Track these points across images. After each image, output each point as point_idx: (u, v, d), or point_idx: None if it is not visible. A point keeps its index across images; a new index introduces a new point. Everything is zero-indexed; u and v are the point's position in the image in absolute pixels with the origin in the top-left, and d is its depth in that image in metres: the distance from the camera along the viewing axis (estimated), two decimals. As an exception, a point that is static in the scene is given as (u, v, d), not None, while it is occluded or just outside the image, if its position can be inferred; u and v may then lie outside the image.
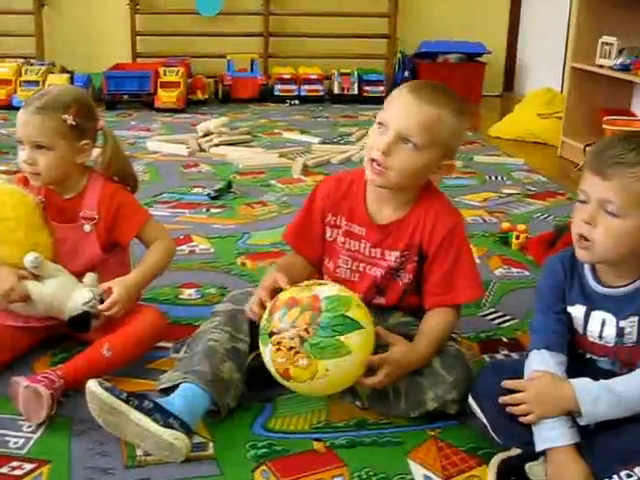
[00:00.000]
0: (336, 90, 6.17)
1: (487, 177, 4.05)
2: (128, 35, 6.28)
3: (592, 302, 1.61)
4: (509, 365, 1.80)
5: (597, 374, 1.58)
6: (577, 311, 1.63)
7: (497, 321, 2.35)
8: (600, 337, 1.61)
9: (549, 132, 4.86)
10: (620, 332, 1.58)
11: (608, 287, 1.59)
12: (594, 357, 1.66)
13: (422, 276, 1.87)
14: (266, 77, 6.23)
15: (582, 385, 1.54)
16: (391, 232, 1.86)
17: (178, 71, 5.70)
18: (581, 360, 1.68)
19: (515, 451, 1.61)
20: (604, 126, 4.19)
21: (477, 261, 2.76)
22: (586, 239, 1.50)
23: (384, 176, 1.75)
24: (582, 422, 1.53)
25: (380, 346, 1.72)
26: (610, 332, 1.59)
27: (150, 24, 6.35)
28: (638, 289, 1.56)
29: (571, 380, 1.56)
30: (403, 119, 1.73)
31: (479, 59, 6.68)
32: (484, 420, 1.66)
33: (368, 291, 1.90)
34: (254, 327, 1.80)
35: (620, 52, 4.35)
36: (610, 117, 4.23)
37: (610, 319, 1.59)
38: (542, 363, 1.61)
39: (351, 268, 1.92)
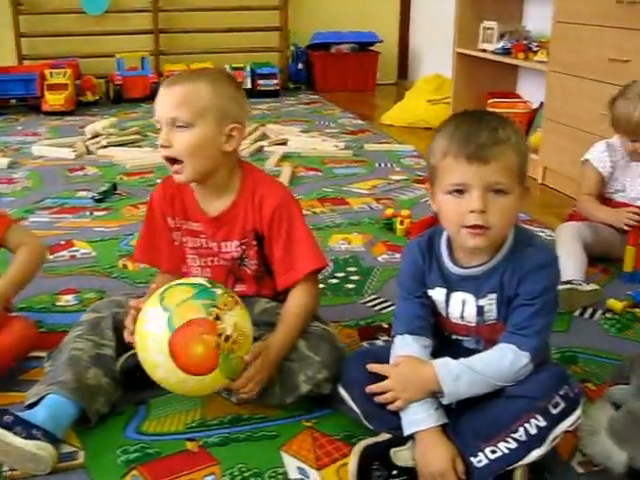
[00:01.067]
0: (228, 85, 6.09)
1: (377, 165, 4.08)
2: (12, 37, 6.10)
3: (451, 284, 1.62)
4: (375, 352, 1.80)
5: (463, 354, 1.59)
6: (438, 294, 1.64)
7: (377, 307, 2.36)
8: (462, 317, 1.63)
9: (439, 117, 4.81)
10: (480, 311, 1.60)
11: (465, 268, 1.60)
12: (459, 338, 1.68)
13: (267, 259, 1.88)
14: (157, 75, 6.13)
15: (443, 364, 1.55)
16: (224, 223, 1.86)
17: (65, 72, 5.57)
18: (447, 342, 1.70)
19: (384, 436, 1.61)
20: (488, 109, 4.25)
21: (362, 248, 2.81)
22: (482, 227, 1.48)
23: (184, 172, 1.77)
24: (445, 401, 1.54)
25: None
26: (470, 312, 1.61)
27: (35, 25, 6.17)
28: (494, 267, 1.57)
29: (432, 361, 1.57)
30: (163, 107, 1.75)
31: (372, 48, 6.74)
32: (355, 408, 1.66)
33: (226, 281, 1.89)
34: (119, 332, 1.79)
35: (502, 36, 4.44)
36: (493, 100, 4.30)
37: (470, 299, 1.60)
38: (405, 348, 1.62)
39: (201, 265, 1.92)
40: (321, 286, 2.44)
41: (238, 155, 1.89)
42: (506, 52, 4.29)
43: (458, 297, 1.62)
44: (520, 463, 1.48)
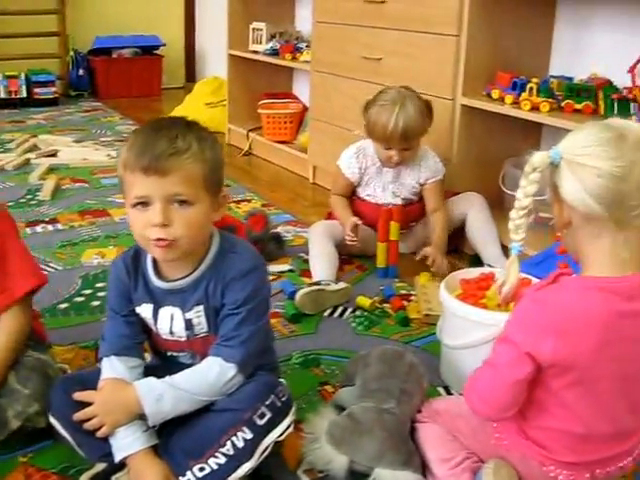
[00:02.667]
0: (2, 94, 5.78)
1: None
2: None
3: (158, 299, 1.55)
4: (81, 377, 1.69)
5: (178, 369, 1.53)
6: (145, 310, 1.57)
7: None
8: (171, 333, 1.56)
9: (217, 120, 4.86)
10: (189, 324, 1.54)
11: (170, 281, 1.54)
12: (174, 354, 1.61)
13: None
14: None
15: (145, 385, 1.48)
16: None
17: None
18: (165, 359, 1.63)
19: (100, 466, 1.54)
20: (259, 110, 4.24)
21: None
22: (167, 240, 1.41)
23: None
24: (150, 423, 1.48)
25: None
26: (179, 326, 1.55)
27: None
28: (198, 278, 1.51)
29: (135, 382, 1.50)
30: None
31: (156, 52, 6.59)
32: (68, 438, 1.56)
33: None
34: None
35: (272, 37, 4.42)
36: (265, 101, 4.28)
37: (177, 313, 1.54)
38: (111, 371, 1.54)
39: None
40: (65, 306, 2.33)
41: None
42: (275, 53, 4.28)
43: (166, 312, 1.55)
44: (231, 478, 1.43)
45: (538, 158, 1.30)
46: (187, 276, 1.52)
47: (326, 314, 2.34)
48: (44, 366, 1.71)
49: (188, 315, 1.53)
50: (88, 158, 4.23)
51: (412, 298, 2.46)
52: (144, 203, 1.41)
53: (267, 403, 1.45)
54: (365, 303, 2.37)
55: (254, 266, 1.52)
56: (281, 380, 1.55)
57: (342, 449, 1.55)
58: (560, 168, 1.28)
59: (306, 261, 2.65)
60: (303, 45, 4.15)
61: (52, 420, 1.57)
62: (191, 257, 1.50)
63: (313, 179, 3.85)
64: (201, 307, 1.52)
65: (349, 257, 2.72)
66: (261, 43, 4.40)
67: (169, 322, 1.55)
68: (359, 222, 2.60)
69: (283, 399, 1.48)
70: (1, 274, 1.70)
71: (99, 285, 2.51)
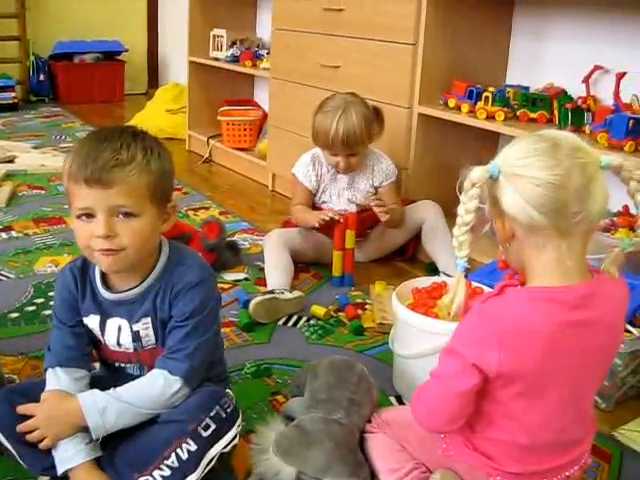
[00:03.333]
0: (-43, 101, 5.72)
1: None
2: None
3: (105, 310, 1.54)
4: (23, 388, 1.66)
5: (127, 382, 1.51)
6: (92, 322, 1.55)
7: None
8: (118, 344, 1.55)
9: (178, 127, 4.86)
10: (136, 336, 1.53)
11: (118, 293, 1.52)
12: (122, 365, 1.60)
13: None
14: None
15: (88, 397, 1.47)
16: None
17: None
18: (112, 370, 1.62)
19: (43, 479, 1.51)
20: (219, 117, 4.22)
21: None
22: (113, 250, 1.39)
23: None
24: (93, 436, 1.46)
25: None
26: (127, 338, 1.53)
27: None
28: (146, 290, 1.50)
29: (79, 394, 1.48)
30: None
31: (118, 58, 6.55)
32: (10, 449, 1.53)
33: None
34: None
35: (234, 44, 4.41)
36: (224, 108, 4.27)
37: (125, 325, 1.53)
38: (55, 382, 1.53)
39: None
40: (15, 315, 2.30)
41: None
42: (235, 60, 4.27)
43: (113, 324, 1.54)
44: (175, 490, 1.41)
45: (477, 173, 1.30)
46: (135, 287, 1.51)
47: (280, 323, 2.33)
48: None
49: (135, 327, 1.52)
50: (46, 164, 4.18)
51: (367, 307, 2.46)
52: (88, 214, 1.39)
53: (212, 414, 1.44)
54: (319, 312, 2.36)
55: (202, 278, 1.51)
56: (227, 391, 1.55)
57: (290, 460, 1.53)
58: (499, 181, 1.29)
59: (262, 269, 2.64)
60: (264, 52, 4.15)
61: None
62: (139, 268, 1.49)
63: (272, 187, 3.84)
64: (149, 319, 1.51)
65: (305, 265, 2.71)
66: (222, 50, 4.39)
67: (116, 334, 1.54)
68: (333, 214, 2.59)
69: (228, 410, 1.47)
70: None
71: (51, 294, 2.46)
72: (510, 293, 1.36)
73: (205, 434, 1.42)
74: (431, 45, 2.83)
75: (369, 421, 1.67)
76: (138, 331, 1.52)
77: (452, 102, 2.81)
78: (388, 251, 2.86)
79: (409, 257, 2.88)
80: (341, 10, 3.17)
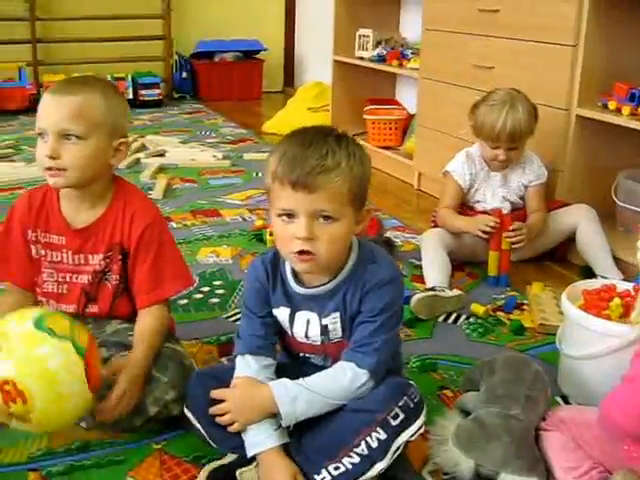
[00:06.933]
0: (110, 96, 5.96)
1: (254, 174, 4.05)
2: None
3: (295, 303, 1.59)
4: (215, 372, 1.75)
5: (312, 371, 1.57)
6: (282, 313, 1.61)
7: (240, 322, 2.31)
8: (306, 336, 1.60)
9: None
10: (324, 330, 1.58)
11: (309, 288, 1.57)
12: (306, 355, 1.66)
13: (128, 276, 1.82)
14: (36, 86, 5.95)
15: (280, 386, 1.52)
16: (91, 235, 1.79)
17: None
18: (296, 359, 1.68)
19: (230, 457, 1.60)
20: (365, 116, 4.28)
21: (230, 261, 2.76)
22: (309, 252, 1.45)
23: (62, 176, 1.69)
24: (283, 423, 1.52)
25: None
26: (315, 331, 1.58)
27: None
28: (336, 286, 1.55)
29: (270, 382, 1.55)
30: (52, 118, 1.67)
31: (257, 56, 6.71)
32: (201, 430, 1.61)
33: (79, 301, 1.82)
34: None
35: (378, 43, 4.47)
36: (370, 107, 4.32)
37: (314, 318, 1.58)
38: (245, 369, 1.59)
39: (57, 280, 1.83)
40: (184, 302, 2.41)
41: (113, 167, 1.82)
42: (381, 60, 4.32)
43: (302, 316, 1.59)
44: (364, 477, 1.46)
45: None
46: (325, 284, 1.55)
47: (440, 319, 2.36)
48: (179, 356, 1.78)
49: (324, 321, 1.57)
50: (196, 158, 4.34)
51: (524, 307, 2.46)
52: (289, 215, 1.45)
53: (400, 404, 1.48)
54: (479, 310, 2.38)
55: (393, 277, 1.55)
56: (411, 382, 1.58)
57: (469, 453, 1.57)
58: None
59: (417, 267, 2.68)
60: (409, 52, 4.17)
61: (187, 412, 1.63)
62: (331, 267, 1.54)
63: (418, 185, 3.87)
64: (338, 314, 1.56)
65: (459, 264, 2.73)
66: (367, 50, 4.45)
67: (305, 326, 1.59)
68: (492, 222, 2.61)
69: (415, 400, 1.50)
70: (154, 272, 1.79)
71: (216, 283, 2.60)
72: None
73: (394, 423, 1.46)
74: (592, 46, 2.79)
75: (543, 419, 1.69)
76: (327, 325, 1.57)
77: (612, 104, 2.77)
78: (540, 251, 2.85)
79: (560, 258, 2.87)
80: (496, 11, 3.17)
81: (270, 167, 1.47)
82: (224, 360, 2.08)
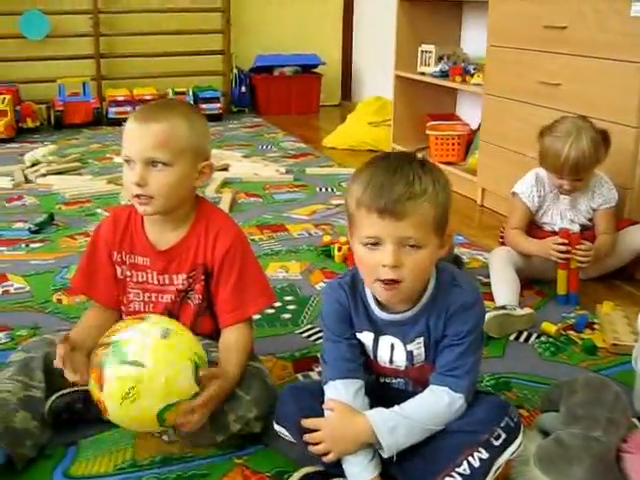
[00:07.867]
0: (172, 110, 6.06)
1: (317, 189, 4.09)
2: (-50, 64, 5.99)
3: (378, 328, 1.59)
4: (307, 388, 1.76)
5: (392, 395, 1.60)
6: (366, 338, 1.61)
7: (313, 338, 2.35)
8: (391, 361, 1.61)
9: (381, 140, 4.95)
10: (410, 356, 1.59)
11: (392, 313, 1.57)
12: (387, 380, 1.67)
13: (211, 295, 1.85)
14: (99, 100, 6.09)
15: (377, 416, 1.51)
16: (175, 256, 1.83)
17: (4, 99, 5.48)
18: (375, 382, 1.68)
19: (319, 467, 1.60)
20: (427, 132, 4.29)
21: (299, 277, 2.79)
22: (395, 281, 1.45)
23: (150, 204, 1.74)
24: (385, 455, 1.51)
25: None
26: (400, 357, 1.59)
27: (-27, 51, 6.06)
28: (419, 312, 1.56)
29: (366, 412, 1.54)
30: (138, 146, 1.71)
31: (315, 70, 6.76)
32: (293, 441, 1.62)
33: None
34: (50, 372, 1.76)
35: (440, 59, 4.48)
36: (433, 122, 4.34)
37: (398, 344, 1.58)
38: (337, 395, 1.57)
39: (144, 300, 1.88)
40: (257, 317, 2.44)
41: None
42: (444, 75, 4.33)
43: (386, 341, 1.59)
44: (465, 497, 1.47)
45: None
46: (407, 310, 1.56)
47: (511, 338, 2.36)
48: (262, 375, 1.81)
49: (410, 347, 1.58)
50: (259, 173, 4.39)
51: (595, 326, 2.45)
52: (374, 243, 1.45)
53: (502, 425, 1.49)
54: (551, 329, 2.38)
55: (475, 300, 1.56)
56: (509, 402, 1.58)
57: (551, 474, 1.57)
58: None
59: (485, 284, 2.68)
60: (471, 67, 4.18)
61: (277, 427, 1.65)
62: (413, 296, 1.55)
63: (481, 202, 3.87)
64: (422, 339, 1.57)
65: (528, 282, 2.73)
66: (429, 65, 4.46)
67: (389, 351, 1.59)
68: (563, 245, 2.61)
69: (515, 420, 1.52)
70: (238, 291, 1.82)
71: (287, 298, 2.63)
72: None
73: (496, 443, 1.47)
74: (662, 63, 2.78)
75: (625, 441, 1.68)
76: (412, 351, 1.58)
77: (684, 122, 2.76)
78: (608, 270, 2.84)
79: (628, 277, 2.85)
80: (564, 28, 3.17)
81: (354, 194, 1.47)
82: (299, 377, 2.11)
